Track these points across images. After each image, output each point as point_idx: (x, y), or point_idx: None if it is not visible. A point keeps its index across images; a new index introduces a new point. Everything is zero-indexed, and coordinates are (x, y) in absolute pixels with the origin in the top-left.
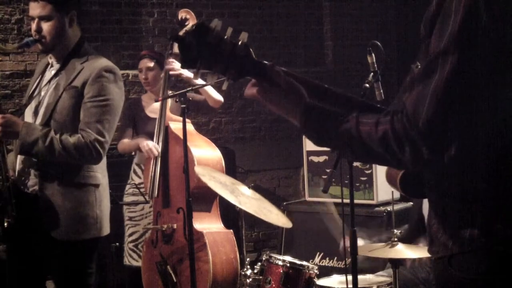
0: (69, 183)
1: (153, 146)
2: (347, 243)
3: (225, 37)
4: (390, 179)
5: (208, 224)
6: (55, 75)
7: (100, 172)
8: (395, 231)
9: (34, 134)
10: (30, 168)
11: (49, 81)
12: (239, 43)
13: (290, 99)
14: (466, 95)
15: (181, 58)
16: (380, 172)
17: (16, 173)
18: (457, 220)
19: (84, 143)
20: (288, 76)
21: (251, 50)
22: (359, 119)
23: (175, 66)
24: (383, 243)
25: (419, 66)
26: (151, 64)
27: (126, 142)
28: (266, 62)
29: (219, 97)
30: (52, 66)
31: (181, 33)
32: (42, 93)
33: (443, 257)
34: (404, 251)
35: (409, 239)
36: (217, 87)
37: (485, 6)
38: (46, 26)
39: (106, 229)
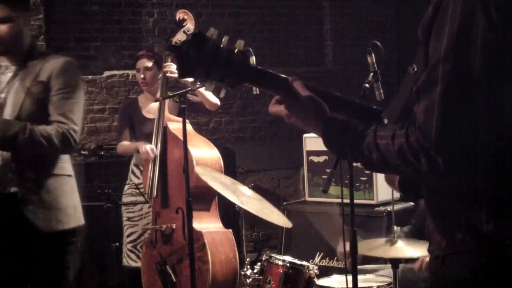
0: (46, 175)
1: (150, 149)
2: (347, 247)
3: (222, 45)
4: (389, 180)
5: (207, 224)
6: (14, 76)
7: (69, 163)
8: (395, 227)
9: (13, 127)
10: (4, 167)
11: (8, 83)
12: (235, 50)
13: (310, 115)
14: (468, 98)
15: (178, 68)
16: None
17: None
18: (451, 221)
19: (62, 132)
20: (310, 89)
21: (248, 56)
22: (377, 133)
23: (173, 68)
24: (383, 241)
25: (416, 69)
26: (149, 64)
27: (125, 145)
28: (264, 69)
29: (215, 100)
30: (7, 69)
31: (177, 38)
32: (2, 95)
33: (438, 256)
34: (404, 249)
35: (414, 237)
36: (216, 91)
37: (482, 10)
38: (4, 28)
39: (82, 219)
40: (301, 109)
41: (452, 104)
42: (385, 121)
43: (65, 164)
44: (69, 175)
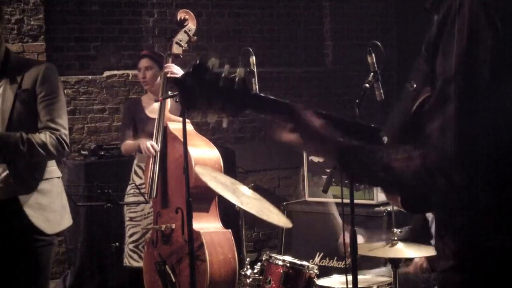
0: (41, 180)
1: (150, 145)
2: (347, 240)
3: (223, 74)
4: (390, 196)
5: (206, 224)
6: None
7: (55, 166)
8: (395, 230)
9: (11, 139)
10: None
11: None
12: (236, 79)
13: (322, 144)
14: (482, 112)
15: (181, 100)
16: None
17: None
18: (464, 231)
19: (56, 138)
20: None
21: (247, 84)
22: (391, 156)
23: (173, 69)
24: (383, 243)
25: (415, 85)
26: (150, 64)
27: (128, 144)
28: (266, 95)
29: None
30: None
31: (178, 38)
32: None
33: (450, 268)
34: (404, 251)
35: (411, 241)
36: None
37: (487, 23)
38: None
39: (71, 219)
40: (313, 138)
41: (468, 121)
42: (385, 139)
43: (54, 167)
44: (58, 177)
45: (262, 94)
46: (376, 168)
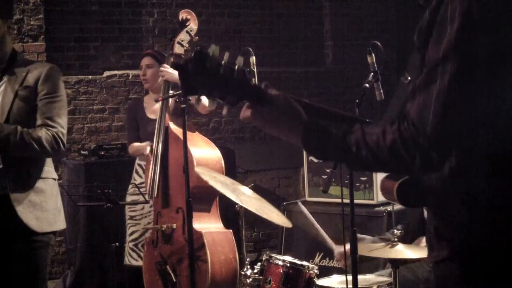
0: (35, 178)
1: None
2: (347, 247)
3: (223, 62)
4: (385, 191)
5: (207, 224)
6: None
7: (53, 167)
8: (395, 231)
9: (4, 130)
10: None
11: None
12: (236, 67)
13: (287, 118)
14: (467, 99)
15: (182, 86)
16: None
17: None
18: (459, 222)
19: (51, 135)
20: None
21: (246, 75)
22: (365, 130)
23: (168, 71)
24: (383, 243)
25: (409, 78)
26: (151, 62)
27: (135, 146)
28: (261, 85)
29: (208, 104)
30: None
31: (180, 38)
32: None
33: (446, 258)
34: (404, 251)
35: (409, 239)
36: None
37: (479, 11)
38: None
39: (64, 222)
40: (275, 112)
41: (450, 101)
42: None
43: (50, 168)
44: (54, 179)
45: (260, 86)
46: (348, 142)
